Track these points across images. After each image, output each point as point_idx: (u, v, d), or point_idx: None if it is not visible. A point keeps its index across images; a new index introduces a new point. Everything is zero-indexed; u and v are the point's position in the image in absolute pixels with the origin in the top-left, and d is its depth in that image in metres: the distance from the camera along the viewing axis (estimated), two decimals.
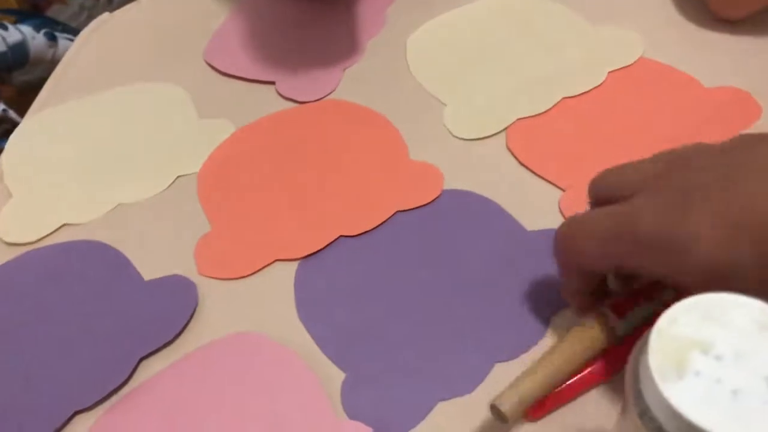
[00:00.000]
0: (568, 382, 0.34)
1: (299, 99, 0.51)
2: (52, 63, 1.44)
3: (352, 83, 0.52)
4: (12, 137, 0.52)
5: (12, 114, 1.28)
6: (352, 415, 0.35)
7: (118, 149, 0.50)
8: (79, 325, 0.40)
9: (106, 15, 0.62)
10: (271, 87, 0.53)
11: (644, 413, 0.21)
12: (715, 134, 0.43)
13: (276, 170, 0.47)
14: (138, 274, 0.43)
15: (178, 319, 0.40)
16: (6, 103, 1.30)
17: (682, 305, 0.22)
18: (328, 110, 0.50)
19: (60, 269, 0.43)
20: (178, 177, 0.48)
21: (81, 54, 0.60)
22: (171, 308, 0.41)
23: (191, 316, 0.40)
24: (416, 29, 0.55)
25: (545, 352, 0.33)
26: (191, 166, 0.48)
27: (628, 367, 0.23)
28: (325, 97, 0.51)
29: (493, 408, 0.32)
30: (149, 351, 0.39)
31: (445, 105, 0.49)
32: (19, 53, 1.33)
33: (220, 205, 0.45)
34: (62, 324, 0.41)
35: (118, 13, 0.64)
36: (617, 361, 0.34)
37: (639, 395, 0.22)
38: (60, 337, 0.40)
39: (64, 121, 0.53)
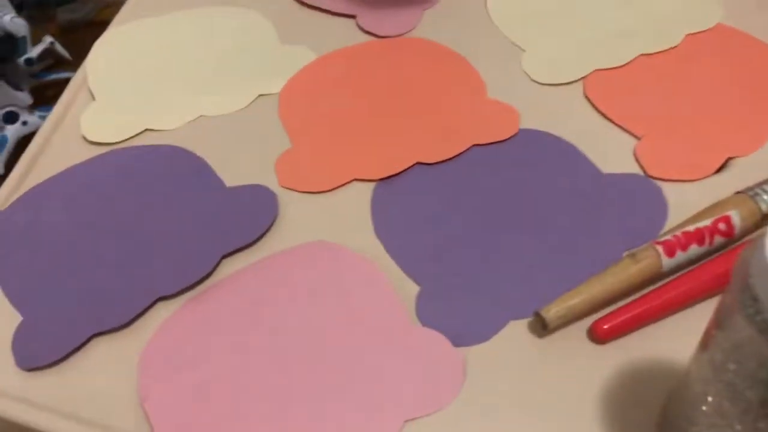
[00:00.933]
0: (639, 309, 0.35)
1: (379, 33, 0.52)
2: (100, 4, 1.46)
3: (432, 24, 0.53)
4: (96, 44, 0.53)
5: (59, 47, 1.29)
6: (426, 323, 0.37)
7: (201, 64, 0.51)
8: (163, 222, 0.42)
9: None
10: (352, 21, 0.54)
11: (756, 313, 0.22)
12: None
13: (356, 97, 0.48)
14: (220, 180, 0.44)
15: (259, 224, 0.41)
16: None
17: None
18: (408, 46, 0.51)
19: (144, 169, 0.45)
20: (259, 96, 0.49)
21: None
22: (253, 214, 0.42)
23: (272, 223, 0.41)
24: None
25: (596, 275, 0.36)
26: (272, 86, 0.49)
27: (737, 266, 0.24)
28: (404, 34, 0.52)
29: (537, 316, 0.35)
30: (231, 250, 0.40)
31: (524, 51, 0.50)
32: None
33: (301, 125, 0.47)
34: (147, 220, 0.42)
35: None
36: (690, 292, 0.36)
37: (746, 289, 0.23)
38: (145, 231, 0.42)
39: (148, 34, 0.54)
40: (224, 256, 0.40)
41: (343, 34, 0.53)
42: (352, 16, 0.54)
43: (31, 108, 1.28)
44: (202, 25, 0.54)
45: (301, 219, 0.42)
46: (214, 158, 0.45)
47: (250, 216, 0.42)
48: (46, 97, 1.32)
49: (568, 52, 0.49)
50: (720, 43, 0.49)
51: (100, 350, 0.37)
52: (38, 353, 0.37)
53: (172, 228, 0.42)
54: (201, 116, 0.48)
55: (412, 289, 0.38)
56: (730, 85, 0.46)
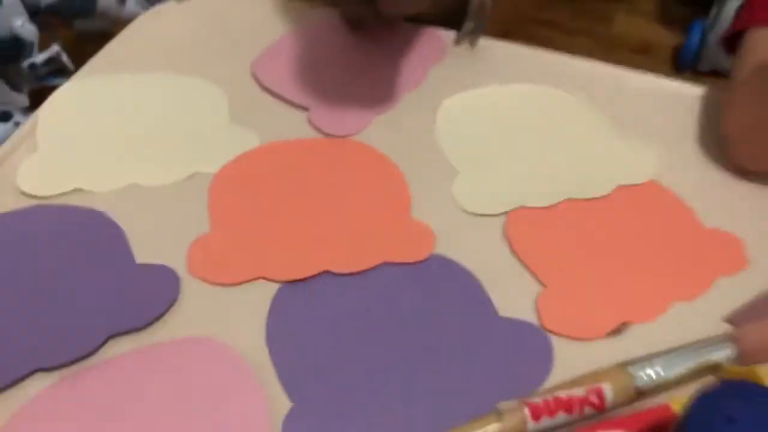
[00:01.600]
0: None
1: (325, 130, 0.53)
2: (117, 20, 1.49)
3: (379, 129, 0.54)
4: (54, 95, 0.55)
5: (64, 58, 1.32)
6: None
7: (147, 130, 0.52)
8: (62, 288, 0.43)
9: (173, 2, 0.65)
10: (303, 113, 0.55)
11: None
12: (696, 273, 0.45)
13: (284, 192, 0.49)
14: (131, 254, 0.45)
15: (154, 308, 0.42)
16: (63, 46, 1.34)
17: None
18: (348, 149, 0.52)
19: (59, 230, 0.46)
20: (195, 173, 0.50)
21: (138, 32, 0.63)
22: (152, 295, 0.43)
23: (167, 309, 0.42)
24: (452, 95, 0.57)
25: (459, 428, 0.37)
26: (210, 166, 0.50)
27: None
28: (350, 135, 0.53)
29: None
30: (120, 331, 0.41)
31: (459, 174, 0.51)
32: (88, 5, 1.38)
33: (223, 212, 0.48)
34: (46, 282, 0.43)
35: (185, 2, 0.67)
36: None
37: None
38: (41, 294, 0.42)
39: (105, 90, 0.55)
40: (112, 336, 0.41)
41: (292, 125, 0.54)
42: (305, 109, 0.55)
43: (27, 110, 1.30)
44: (160, 91, 0.56)
45: (199, 309, 0.43)
46: (133, 229, 0.46)
47: (149, 297, 0.43)
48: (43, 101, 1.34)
49: (498, 183, 0.51)
50: (646, 200, 0.50)
51: None
52: None
53: (68, 296, 0.42)
54: (133, 183, 0.49)
55: (285, 405, 0.39)
56: (646, 247, 0.47)
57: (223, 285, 0.44)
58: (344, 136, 0.53)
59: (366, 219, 0.48)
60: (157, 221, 0.47)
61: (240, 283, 0.44)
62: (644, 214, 0.50)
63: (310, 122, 0.54)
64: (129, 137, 0.52)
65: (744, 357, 0.40)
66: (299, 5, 0.66)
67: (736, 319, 0.43)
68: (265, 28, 0.63)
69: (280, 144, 0.52)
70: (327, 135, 0.53)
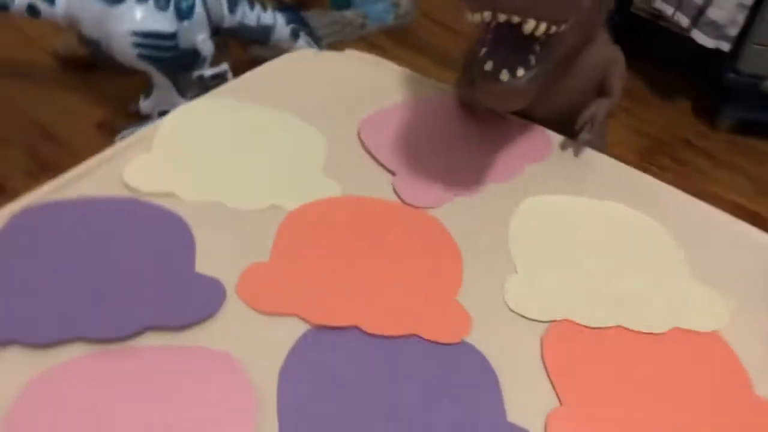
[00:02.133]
0: None
1: (405, 199, 0.56)
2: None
3: (455, 210, 0.56)
4: (183, 106, 0.61)
5: (230, 76, 1.44)
6: None
7: (247, 157, 0.57)
8: (120, 272, 0.47)
9: (311, 51, 0.71)
10: (389, 176, 0.58)
11: None
12: None
13: (346, 243, 0.52)
14: (193, 261, 0.49)
15: (194, 314, 0.46)
16: (232, 66, 1.47)
17: None
18: (419, 219, 0.54)
19: (141, 221, 0.51)
20: (273, 205, 0.54)
21: (277, 69, 0.69)
22: (197, 302, 0.46)
23: (204, 319, 0.46)
24: (536, 196, 0.58)
25: None
26: (288, 202, 0.54)
27: None
28: (426, 208, 0.55)
29: None
30: (157, 325, 0.45)
31: (516, 271, 0.51)
32: (263, 35, 1.51)
33: (286, 247, 0.51)
34: (109, 262, 0.48)
35: (324, 52, 0.72)
36: None
37: None
38: (101, 272, 0.47)
39: (227, 113, 0.61)
40: (150, 328, 0.45)
41: (376, 185, 0.57)
42: (392, 173, 0.58)
43: None
44: (271, 125, 0.61)
45: (232, 326, 0.46)
46: (204, 241, 0.51)
47: (193, 304, 0.46)
48: None
49: (552, 291, 0.50)
50: (702, 351, 0.48)
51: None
52: None
53: (126, 282, 0.47)
54: (218, 201, 0.54)
55: None
56: (684, 403, 0.45)
57: (260, 312, 0.47)
58: (419, 207, 0.55)
59: (412, 289, 0.49)
60: (227, 239, 0.51)
61: (275, 314, 0.47)
62: (695, 365, 0.47)
63: (393, 187, 0.57)
64: (230, 159, 0.57)
65: None
66: (423, 78, 0.70)
67: None
68: (385, 91, 0.67)
69: (358, 198, 0.55)
70: (405, 204, 0.56)
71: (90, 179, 0.54)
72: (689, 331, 0.49)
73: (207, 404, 0.41)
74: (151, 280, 0.47)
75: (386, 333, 0.46)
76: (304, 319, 0.46)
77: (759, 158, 1.63)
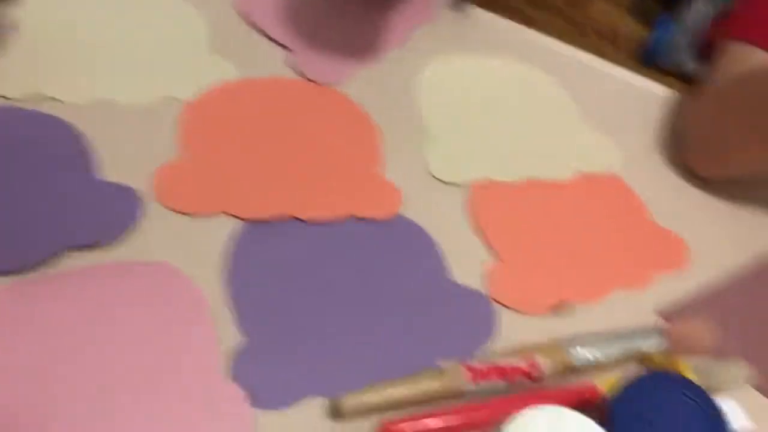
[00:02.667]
0: (429, 424, 0.38)
1: (308, 76, 0.53)
2: None
3: (361, 82, 0.54)
4: None
5: None
6: (237, 378, 0.38)
7: (121, 43, 0.51)
8: (17, 193, 0.42)
9: None
10: (285, 53, 0.54)
11: None
12: (639, 266, 0.48)
13: (257, 130, 0.49)
14: (95, 169, 0.44)
15: (115, 228, 0.42)
16: None
17: (537, 411, 0.26)
18: (328, 98, 0.52)
19: (20, 133, 0.45)
20: (168, 96, 0.49)
21: None
22: (113, 215, 0.43)
23: (127, 230, 0.42)
24: (435, 58, 0.57)
25: (402, 378, 0.39)
26: (184, 91, 0.50)
27: None
28: (332, 84, 0.53)
29: (336, 403, 0.37)
30: (77, 245, 0.41)
31: (433, 139, 0.52)
32: None
33: (192, 141, 0.47)
34: (7, 185, 0.42)
35: None
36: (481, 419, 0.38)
37: None
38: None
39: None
40: (69, 248, 0.41)
41: (272, 63, 0.54)
42: (288, 49, 0.54)
43: None
44: (140, 7, 0.54)
45: (159, 234, 0.43)
46: (100, 146, 0.46)
47: (111, 216, 0.42)
48: None
49: (468, 154, 0.52)
50: (604, 190, 0.53)
51: None
52: None
53: (27, 203, 0.42)
54: (106, 99, 0.48)
55: (237, 339, 0.40)
56: (597, 234, 0.50)
57: (186, 214, 0.44)
58: (326, 84, 0.53)
59: (338, 170, 0.48)
60: (124, 140, 0.46)
61: (205, 214, 0.44)
62: (600, 202, 0.52)
63: (291, 63, 0.54)
64: (105, 50, 0.51)
65: (669, 349, 0.43)
66: None
67: (668, 313, 0.47)
68: None
69: (259, 81, 0.52)
70: (308, 80, 0.53)
71: None
72: (590, 175, 0.53)
73: (159, 320, 0.39)
74: (54, 196, 0.42)
75: (322, 218, 0.46)
76: (235, 216, 0.44)
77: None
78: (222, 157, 0.47)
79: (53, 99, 0.47)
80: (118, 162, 0.45)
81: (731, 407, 0.39)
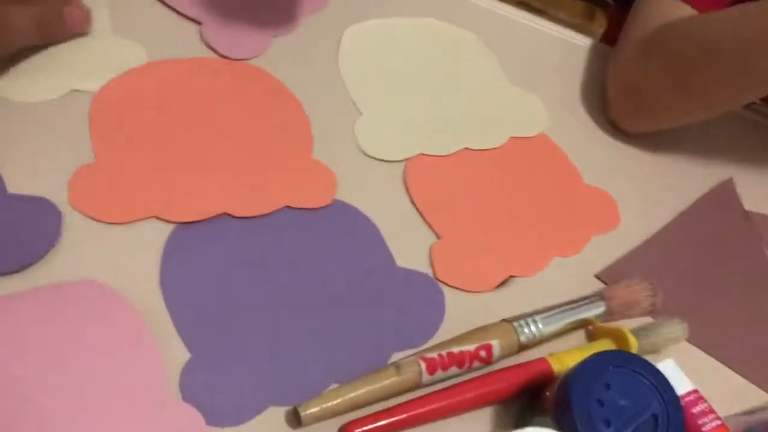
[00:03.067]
0: (392, 417, 0.38)
1: (220, 51, 0.49)
2: None
3: (278, 54, 0.51)
4: None
5: None
6: (187, 397, 0.37)
7: None
8: None
9: None
10: (196, 27, 0.50)
11: None
12: (575, 231, 0.49)
13: (177, 120, 0.46)
14: (2, 182, 0.40)
15: (35, 249, 0.39)
16: None
17: None
18: (246, 76, 0.49)
19: None
20: (72, 90, 0.45)
21: None
22: (30, 233, 0.39)
23: (49, 249, 0.39)
24: (357, 22, 0.55)
25: (360, 379, 0.38)
26: (90, 83, 0.45)
27: None
28: (247, 59, 0.50)
29: (295, 411, 0.37)
30: None
31: (361, 114, 0.50)
32: None
33: (108, 138, 0.44)
34: None
35: None
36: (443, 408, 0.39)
37: None
38: None
39: None
40: None
41: (183, 41, 0.50)
42: (198, 23, 0.50)
43: None
44: None
45: (84, 248, 0.40)
46: (3, 154, 0.41)
47: (27, 236, 0.39)
48: None
49: (399, 127, 0.50)
50: (536, 154, 0.53)
51: None
52: None
53: None
54: (3, 98, 0.43)
55: (183, 354, 0.38)
56: (533, 202, 0.50)
57: (111, 223, 0.41)
58: (242, 59, 0.50)
59: (267, 157, 0.46)
60: (32, 146, 0.42)
61: (130, 221, 0.41)
62: (533, 167, 0.52)
63: (202, 38, 0.50)
64: None
65: (612, 315, 0.45)
66: None
67: (606, 275, 0.48)
68: None
69: (171, 63, 0.48)
70: (221, 56, 0.50)
71: None
72: (522, 139, 0.53)
73: (97, 344, 0.37)
74: None
75: (257, 213, 0.43)
76: (166, 221, 0.42)
77: None
78: (140, 154, 0.44)
79: None
80: (27, 172, 0.41)
81: (673, 368, 0.41)
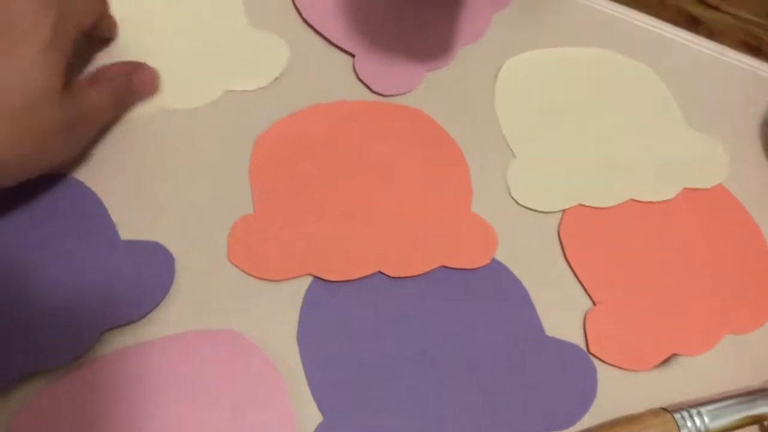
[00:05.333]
0: None
1: (373, 87, 0.47)
2: None
3: (432, 90, 0.48)
4: None
5: None
6: None
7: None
8: (32, 279, 0.38)
9: None
10: (349, 59, 0.49)
11: None
12: (754, 304, 0.43)
13: (336, 168, 0.44)
14: (115, 231, 0.40)
15: (152, 296, 0.39)
16: None
17: None
18: (403, 118, 0.47)
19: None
20: (226, 91, 0.45)
21: None
22: (147, 279, 0.39)
23: (165, 296, 0.39)
24: (515, 53, 0.51)
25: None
26: (242, 81, 0.46)
27: None
28: (400, 94, 0.48)
29: None
30: (115, 325, 0.38)
31: (515, 156, 0.47)
32: None
33: (269, 189, 0.43)
34: (16, 274, 0.38)
35: None
36: None
37: None
38: (14, 289, 0.38)
39: None
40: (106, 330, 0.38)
41: (338, 76, 0.48)
42: (352, 55, 0.49)
43: None
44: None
45: (203, 296, 0.39)
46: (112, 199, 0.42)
47: (144, 282, 0.39)
48: None
49: (557, 175, 0.46)
50: (713, 209, 0.47)
51: None
52: None
53: (48, 288, 0.38)
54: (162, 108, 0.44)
55: (315, 415, 0.37)
56: (706, 267, 0.44)
57: (266, 280, 0.40)
58: (394, 95, 0.48)
59: (427, 211, 0.43)
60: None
61: (283, 279, 0.40)
62: (709, 224, 0.46)
63: (355, 71, 0.48)
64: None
65: None
66: None
67: None
68: None
69: (326, 107, 0.46)
70: (373, 91, 0.48)
71: None
72: (696, 190, 0.47)
73: (234, 398, 0.37)
74: (76, 273, 0.38)
75: (413, 273, 0.41)
76: (319, 278, 0.41)
77: None
78: (298, 205, 0.42)
79: None
80: (187, 219, 0.41)
81: None
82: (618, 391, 0.40)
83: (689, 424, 0.38)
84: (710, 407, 0.38)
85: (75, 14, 0.37)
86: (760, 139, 0.50)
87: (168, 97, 0.44)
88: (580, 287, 0.43)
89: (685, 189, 0.47)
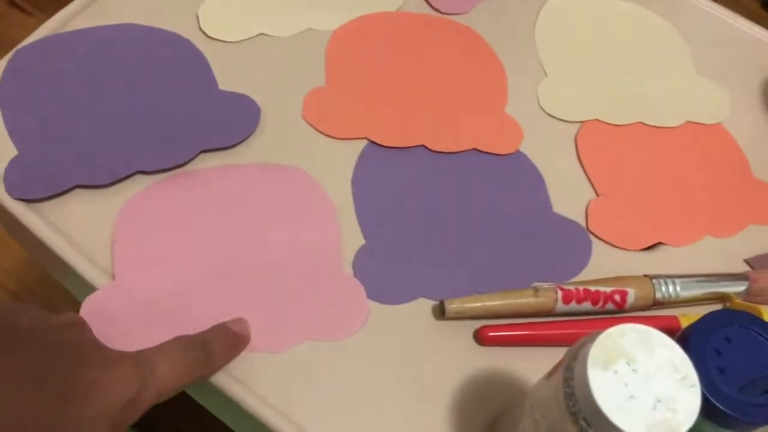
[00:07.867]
0: (522, 331, 0.43)
1: (433, 4, 0.57)
2: None
3: (484, 14, 0.58)
4: None
5: None
6: (357, 273, 0.44)
7: None
8: (159, 102, 0.48)
9: None
10: None
11: (567, 381, 0.30)
12: (733, 215, 0.50)
13: (395, 61, 0.54)
14: (215, 82, 0.50)
15: (241, 130, 0.48)
16: None
17: (631, 326, 0.30)
18: (458, 33, 0.56)
19: (159, 52, 0.51)
20: (309, 29, 0.55)
21: None
22: (238, 119, 0.49)
23: (251, 133, 0.48)
24: None
25: (501, 292, 0.44)
26: (323, 23, 0.55)
27: (572, 346, 0.32)
28: (456, 14, 0.57)
29: (441, 304, 0.43)
30: (211, 147, 0.47)
31: (546, 76, 0.55)
32: None
33: (339, 68, 0.52)
34: (145, 96, 0.48)
35: None
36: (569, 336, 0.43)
37: (569, 369, 0.30)
38: (140, 106, 0.48)
39: None
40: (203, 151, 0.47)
41: None
42: None
43: None
44: None
45: (302, 145, 0.49)
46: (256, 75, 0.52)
47: (235, 120, 0.48)
48: None
49: (580, 93, 0.55)
50: (709, 140, 0.55)
51: (81, 200, 0.44)
52: (26, 187, 0.43)
53: (164, 110, 0.48)
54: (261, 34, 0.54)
55: (359, 240, 0.46)
56: (697, 182, 0.52)
57: (331, 137, 0.50)
58: (452, 14, 0.57)
59: (466, 105, 0.53)
60: (276, 70, 0.53)
61: (345, 138, 0.50)
62: (704, 152, 0.54)
63: None
64: None
65: (752, 295, 0.47)
66: None
67: (755, 262, 0.49)
68: None
69: (393, 14, 0.56)
70: (434, 8, 0.57)
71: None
72: (697, 124, 0.55)
73: (295, 215, 0.45)
74: (191, 105, 0.49)
75: (450, 150, 0.50)
76: (373, 142, 0.50)
77: None
78: (362, 86, 0.52)
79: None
80: (275, 92, 0.51)
81: None
82: (609, 263, 0.47)
83: (663, 288, 0.45)
84: (683, 280, 0.46)
85: None
86: (761, 91, 0.58)
87: None
88: (588, 182, 0.51)
89: (689, 122, 0.55)
